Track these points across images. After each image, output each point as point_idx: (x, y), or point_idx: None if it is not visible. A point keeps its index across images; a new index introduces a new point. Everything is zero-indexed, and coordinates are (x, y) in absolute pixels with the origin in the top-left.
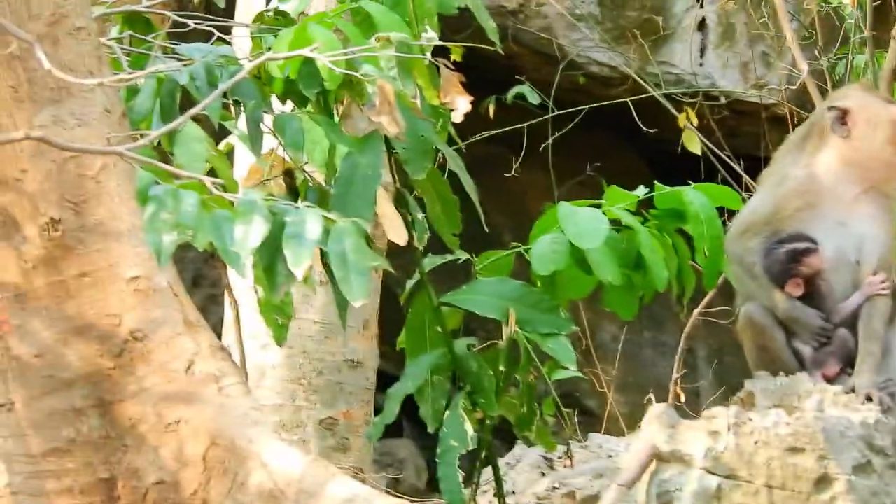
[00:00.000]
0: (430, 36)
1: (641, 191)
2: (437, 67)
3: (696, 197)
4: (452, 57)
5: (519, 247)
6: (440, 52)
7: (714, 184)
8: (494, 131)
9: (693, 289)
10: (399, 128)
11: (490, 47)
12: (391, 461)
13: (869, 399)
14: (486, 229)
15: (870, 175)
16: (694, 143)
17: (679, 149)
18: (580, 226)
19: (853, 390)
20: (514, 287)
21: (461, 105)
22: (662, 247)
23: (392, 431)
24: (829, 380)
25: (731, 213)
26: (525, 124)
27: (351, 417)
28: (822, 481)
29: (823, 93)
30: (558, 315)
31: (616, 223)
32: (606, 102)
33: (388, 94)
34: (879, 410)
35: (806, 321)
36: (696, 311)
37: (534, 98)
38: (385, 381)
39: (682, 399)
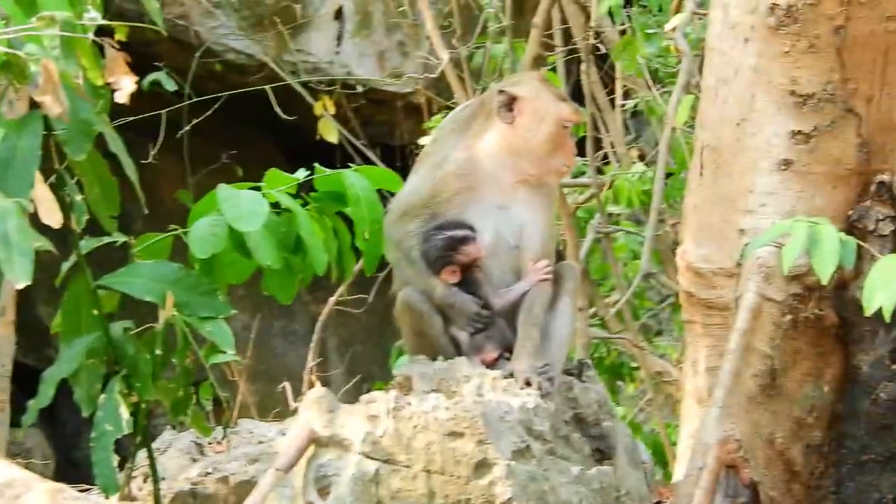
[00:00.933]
0: (93, 16)
1: (301, 173)
2: (102, 47)
3: (356, 180)
4: (116, 37)
5: (177, 229)
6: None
7: (375, 166)
8: (131, 118)
9: (353, 272)
10: (63, 108)
11: (154, 27)
12: (18, 450)
13: (528, 384)
14: (147, 211)
15: (525, 166)
16: (330, 131)
17: (318, 137)
18: (239, 208)
19: (512, 375)
20: (172, 270)
21: (126, 85)
22: (322, 230)
23: (17, 420)
24: (488, 365)
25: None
26: (163, 111)
27: None
28: (482, 466)
29: (462, 81)
30: (217, 298)
31: (276, 206)
32: (243, 90)
33: (53, 74)
34: (538, 395)
35: (461, 307)
36: (331, 300)
37: (170, 85)
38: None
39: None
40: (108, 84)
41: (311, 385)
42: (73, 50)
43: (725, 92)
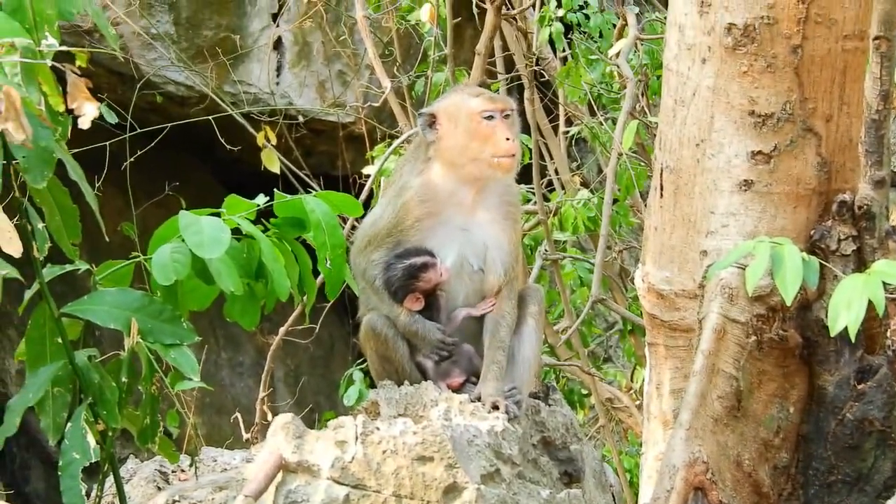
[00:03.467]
0: (51, 42)
1: (261, 199)
2: (60, 74)
3: (317, 205)
4: (77, 63)
5: (139, 256)
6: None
7: (335, 191)
8: (73, 150)
9: (314, 298)
10: (27, 134)
11: (111, 52)
12: None
13: (495, 407)
14: (107, 239)
15: (468, 174)
16: (273, 162)
17: (262, 168)
18: (201, 235)
19: (479, 399)
20: (136, 297)
21: (89, 111)
22: (283, 256)
23: None
24: (455, 389)
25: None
26: (106, 143)
27: None
28: (452, 490)
29: (404, 110)
30: (180, 325)
31: (237, 232)
32: (185, 121)
33: (15, 101)
34: (506, 419)
35: (425, 335)
36: (281, 331)
37: (111, 117)
38: None
39: (270, 417)
40: (68, 111)
41: (264, 416)
42: (35, 77)
43: (684, 113)
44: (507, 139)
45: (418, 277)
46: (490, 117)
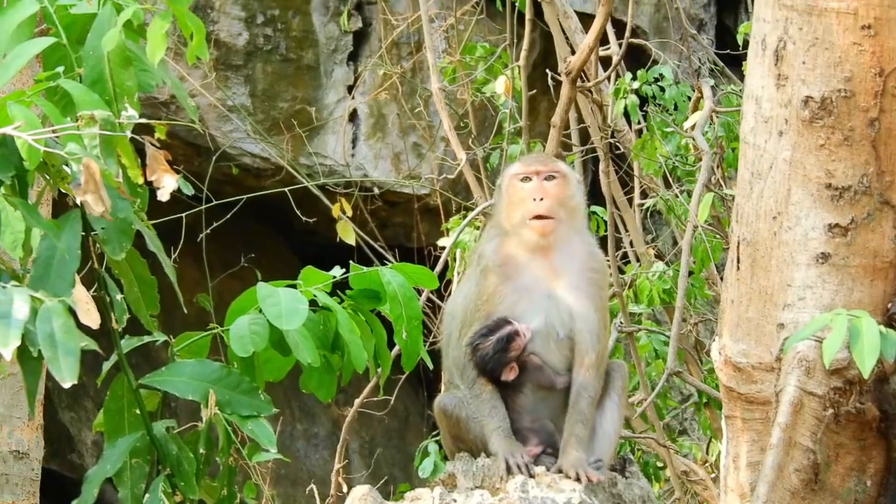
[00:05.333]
0: (131, 114)
1: (337, 271)
2: (138, 145)
3: (392, 277)
4: (156, 135)
5: (216, 328)
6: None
7: (410, 263)
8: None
9: (389, 370)
10: (106, 206)
11: (191, 125)
12: None
13: (578, 479)
14: (185, 310)
15: (521, 239)
16: (348, 233)
17: (337, 240)
18: (279, 307)
19: (560, 470)
20: (214, 368)
21: (168, 183)
22: (359, 327)
23: None
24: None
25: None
26: (182, 215)
27: None
28: None
29: (479, 181)
30: (258, 397)
31: (312, 304)
32: (261, 193)
33: (94, 173)
34: (583, 490)
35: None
36: (357, 402)
37: (187, 189)
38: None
39: (345, 489)
40: (146, 182)
41: (339, 487)
42: (114, 149)
43: (760, 186)
44: (536, 199)
45: (508, 349)
46: (526, 179)
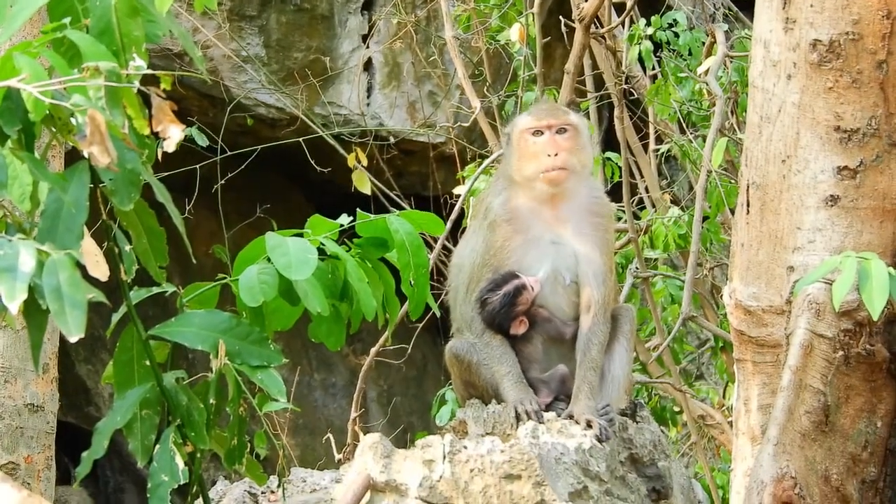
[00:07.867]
0: (139, 64)
1: (345, 219)
2: (147, 96)
3: (400, 225)
4: (162, 86)
5: (225, 278)
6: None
7: (417, 210)
8: (165, 173)
9: (397, 317)
10: (112, 158)
11: (197, 75)
12: None
13: (589, 426)
14: (194, 260)
15: (532, 191)
16: (364, 183)
17: (353, 189)
18: (289, 256)
19: (571, 416)
20: (224, 319)
21: (174, 134)
22: (368, 275)
23: (60, 478)
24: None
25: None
26: (196, 166)
27: (32, 462)
28: None
29: (494, 129)
30: (267, 347)
31: (321, 253)
32: (276, 143)
33: (100, 125)
34: (594, 436)
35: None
36: (372, 351)
37: (202, 140)
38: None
39: (362, 438)
40: (153, 133)
41: (355, 436)
42: (119, 100)
43: (769, 130)
44: (550, 154)
45: (516, 304)
46: (538, 133)
